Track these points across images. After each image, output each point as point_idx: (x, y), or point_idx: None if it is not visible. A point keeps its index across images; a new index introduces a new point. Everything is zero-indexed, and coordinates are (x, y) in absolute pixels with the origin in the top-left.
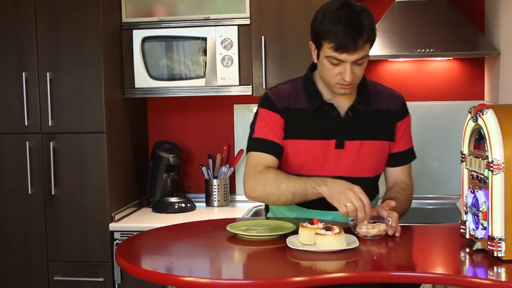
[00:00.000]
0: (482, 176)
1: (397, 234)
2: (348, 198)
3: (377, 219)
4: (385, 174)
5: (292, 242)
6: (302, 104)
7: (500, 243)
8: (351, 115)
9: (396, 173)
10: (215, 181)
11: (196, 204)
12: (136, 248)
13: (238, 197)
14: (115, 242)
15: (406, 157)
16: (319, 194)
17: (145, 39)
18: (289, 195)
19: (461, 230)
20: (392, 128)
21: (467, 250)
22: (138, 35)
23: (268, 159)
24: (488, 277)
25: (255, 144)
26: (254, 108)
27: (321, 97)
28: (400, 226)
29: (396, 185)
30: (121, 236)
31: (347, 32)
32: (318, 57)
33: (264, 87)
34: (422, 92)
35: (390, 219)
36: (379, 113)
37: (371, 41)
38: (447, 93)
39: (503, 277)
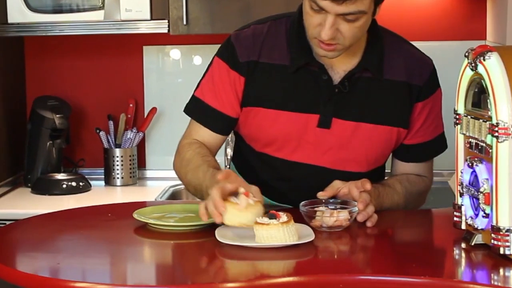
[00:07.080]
0: (484, 144)
1: (369, 224)
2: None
3: (346, 204)
4: (392, 165)
5: (224, 234)
6: (279, 59)
7: (508, 235)
8: (348, 85)
9: (408, 168)
10: (117, 151)
11: (92, 182)
12: (10, 242)
13: (149, 173)
14: None
15: (429, 150)
16: None
17: None
18: (191, 188)
19: (455, 218)
20: (408, 110)
21: (463, 245)
22: None
23: (204, 133)
24: (492, 282)
25: (194, 107)
26: (171, 51)
27: (309, 52)
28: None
29: (404, 175)
30: None
31: None
32: None
33: (184, 22)
34: (404, 30)
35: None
36: (392, 86)
37: None
38: (437, 31)
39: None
